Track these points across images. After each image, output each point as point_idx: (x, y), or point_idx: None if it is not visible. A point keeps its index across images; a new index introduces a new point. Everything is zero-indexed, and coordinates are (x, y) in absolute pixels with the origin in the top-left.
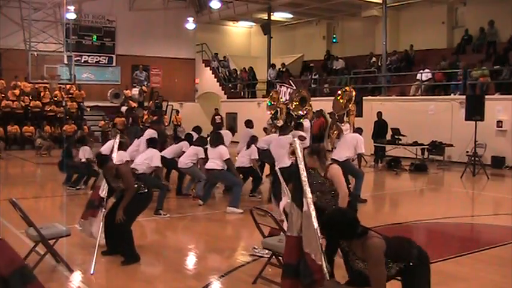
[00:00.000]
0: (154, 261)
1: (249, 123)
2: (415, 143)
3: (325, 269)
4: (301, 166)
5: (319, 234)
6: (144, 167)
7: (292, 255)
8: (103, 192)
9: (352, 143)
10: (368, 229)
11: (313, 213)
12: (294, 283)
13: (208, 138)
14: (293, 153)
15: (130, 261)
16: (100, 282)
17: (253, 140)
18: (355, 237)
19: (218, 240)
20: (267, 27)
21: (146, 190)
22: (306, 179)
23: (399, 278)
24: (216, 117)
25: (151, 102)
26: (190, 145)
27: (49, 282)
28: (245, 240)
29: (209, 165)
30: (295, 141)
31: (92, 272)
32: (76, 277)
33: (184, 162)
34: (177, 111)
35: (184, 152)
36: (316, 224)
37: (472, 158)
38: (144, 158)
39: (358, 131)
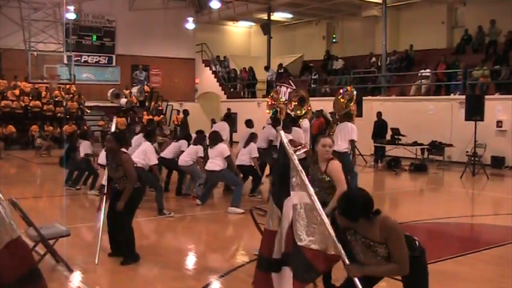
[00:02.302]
0: (155, 261)
1: (249, 123)
2: (415, 143)
3: (343, 255)
4: (296, 162)
5: (329, 224)
6: (142, 161)
7: (269, 249)
8: (103, 180)
9: (348, 132)
10: (379, 210)
11: (318, 205)
12: (265, 276)
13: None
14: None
15: (129, 260)
16: (100, 282)
17: (252, 137)
18: (371, 216)
19: (218, 240)
20: (266, 27)
21: (139, 185)
22: (304, 173)
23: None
24: None
25: (153, 103)
26: (188, 144)
27: (49, 282)
28: (245, 240)
29: (209, 166)
30: (281, 133)
31: (96, 263)
32: (76, 277)
33: (184, 160)
34: (178, 111)
35: (183, 151)
36: (324, 215)
37: (472, 158)
38: (141, 155)
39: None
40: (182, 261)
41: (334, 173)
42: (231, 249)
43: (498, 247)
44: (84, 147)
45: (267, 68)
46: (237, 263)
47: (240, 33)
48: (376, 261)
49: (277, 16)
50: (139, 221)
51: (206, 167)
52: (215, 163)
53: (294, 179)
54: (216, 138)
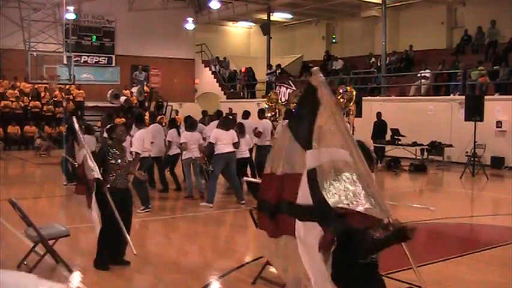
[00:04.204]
0: (155, 261)
1: (246, 115)
2: (415, 144)
3: (385, 210)
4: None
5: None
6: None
7: (270, 194)
8: (96, 173)
9: None
10: None
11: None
12: (269, 222)
13: (220, 122)
14: None
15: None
16: (99, 283)
17: (240, 128)
18: None
19: (218, 241)
20: (266, 27)
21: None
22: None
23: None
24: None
25: (154, 102)
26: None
27: None
28: (245, 240)
29: (227, 148)
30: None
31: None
32: (76, 277)
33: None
34: (177, 111)
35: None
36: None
37: (472, 159)
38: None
39: None
40: (182, 261)
41: None
42: (231, 249)
43: (498, 247)
44: (88, 143)
45: (270, 66)
46: (237, 263)
47: (239, 34)
48: None
49: (276, 16)
50: (139, 221)
51: (225, 150)
52: (232, 145)
53: None
54: (227, 122)
